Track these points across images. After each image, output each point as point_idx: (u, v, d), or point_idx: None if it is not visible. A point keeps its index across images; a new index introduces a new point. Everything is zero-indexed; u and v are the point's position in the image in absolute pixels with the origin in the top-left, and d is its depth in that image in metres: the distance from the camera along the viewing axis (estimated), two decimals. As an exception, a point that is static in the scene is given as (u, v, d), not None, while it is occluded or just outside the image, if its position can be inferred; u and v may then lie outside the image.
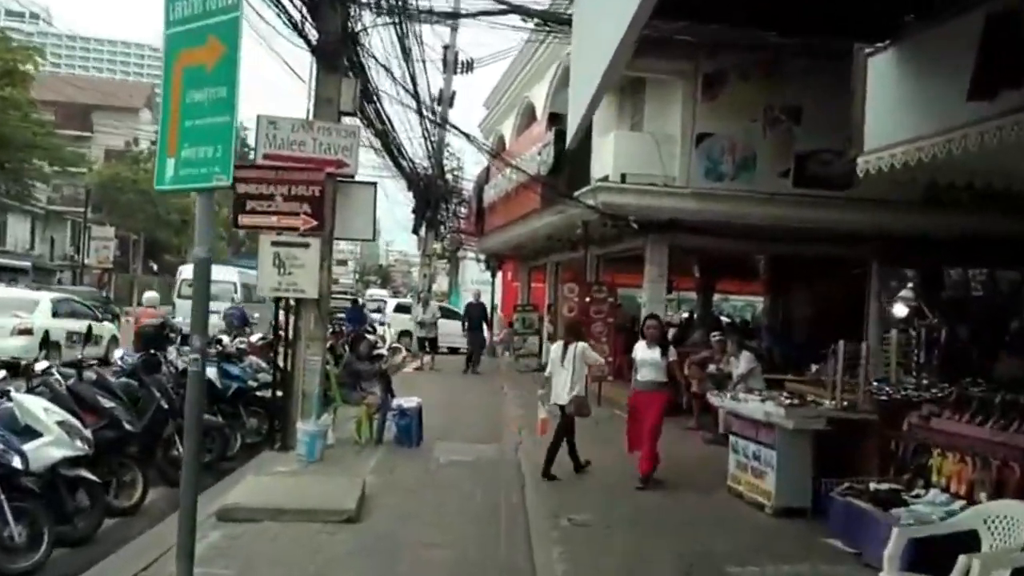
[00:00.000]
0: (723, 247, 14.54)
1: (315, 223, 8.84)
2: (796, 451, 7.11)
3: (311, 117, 9.42)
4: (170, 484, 7.38)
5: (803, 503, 7.13)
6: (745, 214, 12.87)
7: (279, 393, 9.34)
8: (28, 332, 15.24)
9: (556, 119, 15.37)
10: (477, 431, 11.29)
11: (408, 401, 10.05)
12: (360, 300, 45.76)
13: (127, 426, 6.50)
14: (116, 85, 64.88)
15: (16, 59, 36.15)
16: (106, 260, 46.26)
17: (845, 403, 7.17)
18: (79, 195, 46.67)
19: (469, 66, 27.24)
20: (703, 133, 12.85)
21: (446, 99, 26.03)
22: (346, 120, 9.74)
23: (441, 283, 48.78)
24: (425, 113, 17.62)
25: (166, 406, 7.53)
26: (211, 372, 9.15)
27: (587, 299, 14.37)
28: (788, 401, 7.31)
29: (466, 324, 20.85)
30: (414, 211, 26.03)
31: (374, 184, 9.87)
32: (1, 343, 13.98)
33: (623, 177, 13.00)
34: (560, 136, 14.83)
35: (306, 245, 8.79)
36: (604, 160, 13.38)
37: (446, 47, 26.50)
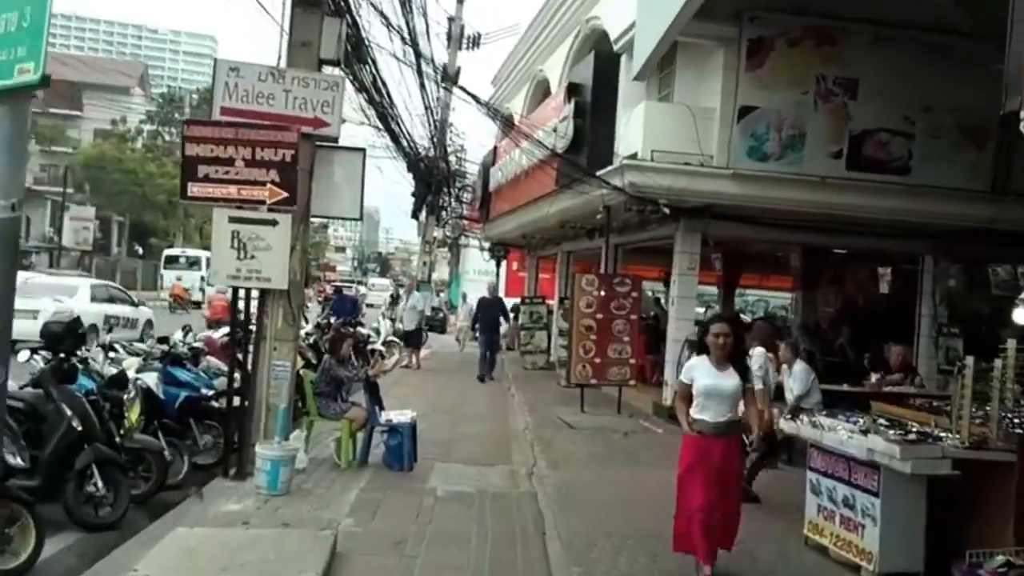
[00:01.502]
0: (762, 237, 12.84)
1: (284, 195, 7.08)
2: (908, 501, 5.43)
3: (284, 64, 7.68)
4: (87, 529, 5.76)
5: (914, 567, 5.46)
6: (791, 200, 11.18)
7: (239, 404, 7.63)
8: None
9: (575, 90, 13.66)
10: (481, 447, 9.62)
11: (400, 415, 8.35)
12: (363, 289, 43.75)
13: (11, 460, 4.82)
14: (107, 63, 63.03)
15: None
16: (84, 242, 44.45)
17: (974, 438, 5.46)
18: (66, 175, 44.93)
19: (476, 41, 25.53)
20: (746, 107, 11.11)
21: (451, 75, 24.36)
22: (327, 71, 7.99)
23: (442, 272, 47.26)
24: (428, 75, 15.85)
25: (79, 428, 5.90)
26: (151, 379, 7.52)
27: (607, 293, 12.65)
28: (899, 434, 5.58)
29: (476, 324, 18.21)
30: (414, 194, 24.38)
31: (362, 150, 8.11)
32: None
33: (653, 155, 11.29)
34: (580, 109, 13.13)
35: (273, 223, 7.05)
36: (632, 135, 11.67)
37: (451, 19, 24.82)
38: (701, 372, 5.58)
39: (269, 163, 6.92)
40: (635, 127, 11.65)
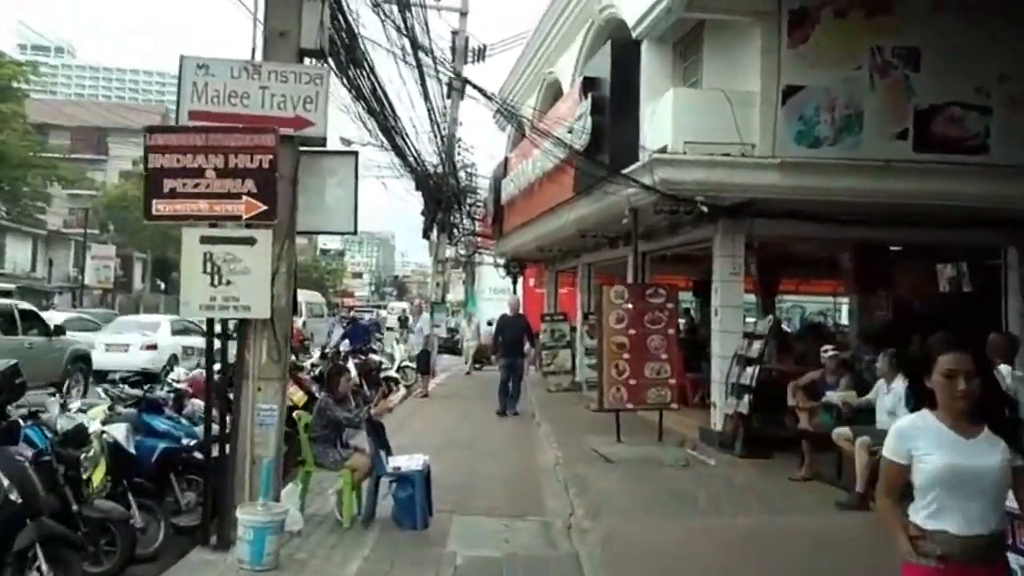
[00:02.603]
0: (813, 234, 11.41)
1: (263, 208, 5.90)
2: None
3: (260, 59, 6.48)
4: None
5: None
6: (850, 189, 9.78)
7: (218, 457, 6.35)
8: (153, 347, 17.82)
9: (591, 84, 12.33)
10: (506, 492, 8.25)
11: (411, 461, 6.98)
12: (384, 313, 42.42)
13: None
14: (130, 109, 63.90)
15: (8, 74, 35.47)
16: (106, 280, 44.87)
17: None
18: (90, 216, 45.74)
19: (481, 54, 24.30)
20: (791, 86, 9.76)
21: (456, 90, 23.15)
22: (309, 63, 6.72)
23: (458, 292, 46.06)
24: (432, 81, 14.62)
25: (18, 500, 4.65)
26: (119, 431, 6.26)
27: (640, 305, 11.27)
28: None
29: (498, 346, 15.40)
30: (423, 213, 23.16)
31: (354, 154, 6.87)
32: (132, 357, 16.64)
33: (686, 148, 9.94)
34: (598, 104, 11.81)
35: (251, 241, 5.83)
36: (660, 126, 10.31)
37: (455, 32, 23.64)
38: (930, 442, 3.09)
39: (244, 172, 5.76)
40: (663, 118, 10.30)
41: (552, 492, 8.17)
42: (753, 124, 9.84)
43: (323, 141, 6.57)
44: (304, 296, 34.18)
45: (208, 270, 5.91)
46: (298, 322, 31.18)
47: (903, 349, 12.59)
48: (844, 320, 25.81)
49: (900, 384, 7.84)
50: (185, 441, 6.78)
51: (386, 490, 7.00)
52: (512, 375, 14.41)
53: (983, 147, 9.87)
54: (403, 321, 23.09)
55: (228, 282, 5.92)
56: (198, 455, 6.57)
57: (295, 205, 6.34)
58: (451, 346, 26.83)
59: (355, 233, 7.33)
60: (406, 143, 16.53)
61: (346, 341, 16.30)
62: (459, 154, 24.26)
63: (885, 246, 14.22)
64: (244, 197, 5.91)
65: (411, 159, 19.02)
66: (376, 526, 6.74)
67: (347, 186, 6.73)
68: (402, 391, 7.34)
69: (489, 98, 12.09)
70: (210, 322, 6.21)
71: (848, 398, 8.76)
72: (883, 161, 9.64)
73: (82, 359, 15.95)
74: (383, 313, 44.56)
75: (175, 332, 19.33)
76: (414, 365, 17.62)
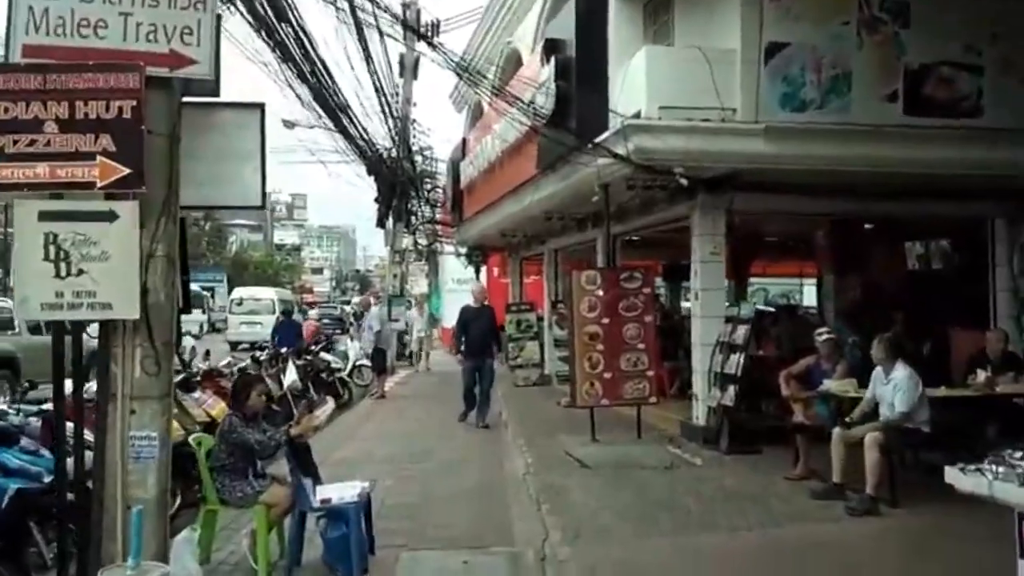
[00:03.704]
0: (798, 209, 10.48)
1: (126, 172, 4.44)
2: None
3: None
4: None
5: None
6: (839, 157, 8.86)
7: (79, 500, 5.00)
8: None
9: (554, 47, 11.25)
10: (468, 513, 7.16)
11: (345, 491, 5.77)
12: (347, 308, 40.76)
13: None
14: None
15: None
16: None
17: None
18: None
19: (435, 28, 23.11)
20: (775, 43, 8.78)
21: (409, 67, 21.97)
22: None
23: (421, 285, 44.81)
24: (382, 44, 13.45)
25: None
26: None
27: (614, 291, 10.27)
28: None
29: (462, 344, 12.61)
30: (377, 200, 21.94)
31: (259, 106, 5.51)
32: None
33: (661, 113, 8.93)
34: (563, 69, 10.74)
35: (110, 216, 4.43)
36: (632, 91, 9.29)
37: (406, 5, 22.40)
38: None
39: (98, 124, 4.33)
40: (635, 80, 9.27)
41: (522, 511, 7.11)
42: (733, 86, 8.86)
43: (213, 88, 5.00)
44: (275, 293, 36.20)
45: (52, 256, 4.44)
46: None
47: (890, 332, 11.92)
48: (808, 303, 25.08)
49: (901, 371, 6.96)
50: (49, 479, 5.24)
51: (315, 527, 5.82)
52: (480, 380, 12.14)
53: (977, 109, 9.03)
54: (357, 316, 21.83)
55: (80, 272, 4.45)
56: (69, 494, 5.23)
57: (176, 171, 4.89)
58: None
59: (262, 207, 6.02)
60: (352, 122, 15.34)
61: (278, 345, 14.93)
62: (414, 136, 23.13)
63: (860, 223, 13.44)
64: (99, 158, 4.42)
65: (360, 141, 17.89)
66: (302, 574, 5.59)
67: (249, 148, 5.36)
68: (330, 404, 6.20)
69: (435, 50, 10.80)
70: (58, 326, 4.71)
71: (846, 387, 7.83)
72: (874, 126, 8.74)
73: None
74: (347, 308, 43.19)
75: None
76: (367, 363, 16.50)
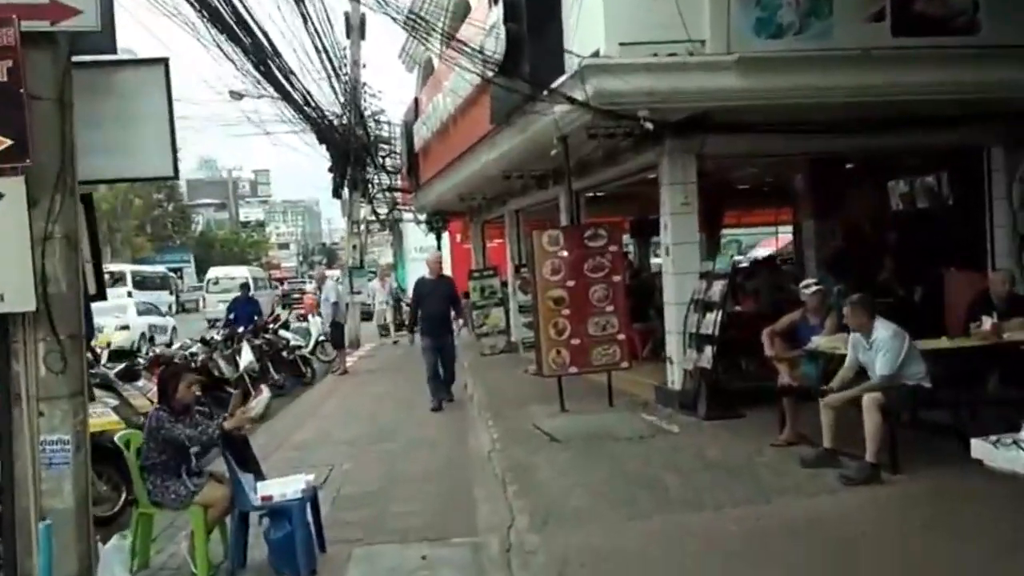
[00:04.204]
0: (772, 150, 9.69)
1: (6, 143, 3.76)
2: None
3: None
4: None
5: None
6: (821, 88, 8.04)
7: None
8: (126, 328, 20.12)
9: (504, -12, 10.28)
10: (429, 499, 6.42)
11: (287, 486, 5.01)
12: (310, 283, 40.34)
13: None
14: None
15: None
16: None
17: None
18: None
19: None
20: (746, -38, 7.95)
21: (355, 27, 20.79)
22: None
23: (387, 255, 43.88)
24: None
25: None
26: None
27: (578, 250, 9.48)
28: None
29: (417, 319, 11.14)
30: (331, 170, 20.90)
31: (163, 62, 4.68)
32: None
33: (621, 50, 8.06)
34: (513, 9, 9.80)
35: None
36: (589, 26, 8.38)
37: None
38: None
39: None
40: (592, 15, 8.36)
41: (487, 493, 6.36)
42: (702, 14, 7.99)
43: (108, 44, 4.36)
44: (247, 272, 37.23)
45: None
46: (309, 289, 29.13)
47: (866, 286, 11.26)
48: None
49: (883, 330, 6.23)
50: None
51: (257, 530, 5.09)
52: (441, 357, 10.91)
53: (972, 25, 8.21)
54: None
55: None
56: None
57: (70, 140, 4.19)
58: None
59: (176, 177, 5.22)
60: (295, 87, 14.30)
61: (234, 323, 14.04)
62: (365, 101, 22.01)
63: (842, 163, 12.72)
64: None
65: (307, 108, 16.85)
66: (247, 577, 4.85)
67: (156, 111, 4.59)
68: (265, 394, 5.43)
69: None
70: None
71: (836, 343, 7.09)
72: (859, 50, 7.92)
73: None
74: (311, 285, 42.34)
75: (141, 313, 22.06)
76: (328, 346, 15.73)
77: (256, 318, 14.19)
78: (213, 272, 38.39)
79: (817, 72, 7.97)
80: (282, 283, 50.76)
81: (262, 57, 11.28)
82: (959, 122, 9.18)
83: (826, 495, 5.74)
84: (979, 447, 3.65)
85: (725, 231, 23.38)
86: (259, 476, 5.19)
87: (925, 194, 13.76)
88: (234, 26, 9.41)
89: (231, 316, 14.51)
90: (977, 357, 6.96)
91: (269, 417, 10.51)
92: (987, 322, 6.85)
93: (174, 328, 23.94)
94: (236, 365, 11.17)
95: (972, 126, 9.33)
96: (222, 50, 9.89)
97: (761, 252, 24.57)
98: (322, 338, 16.06)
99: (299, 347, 14.67)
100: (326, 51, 15.33)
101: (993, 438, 3.58)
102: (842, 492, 5.78)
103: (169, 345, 13.89)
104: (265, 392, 5.58)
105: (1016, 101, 8.63)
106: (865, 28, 8.01)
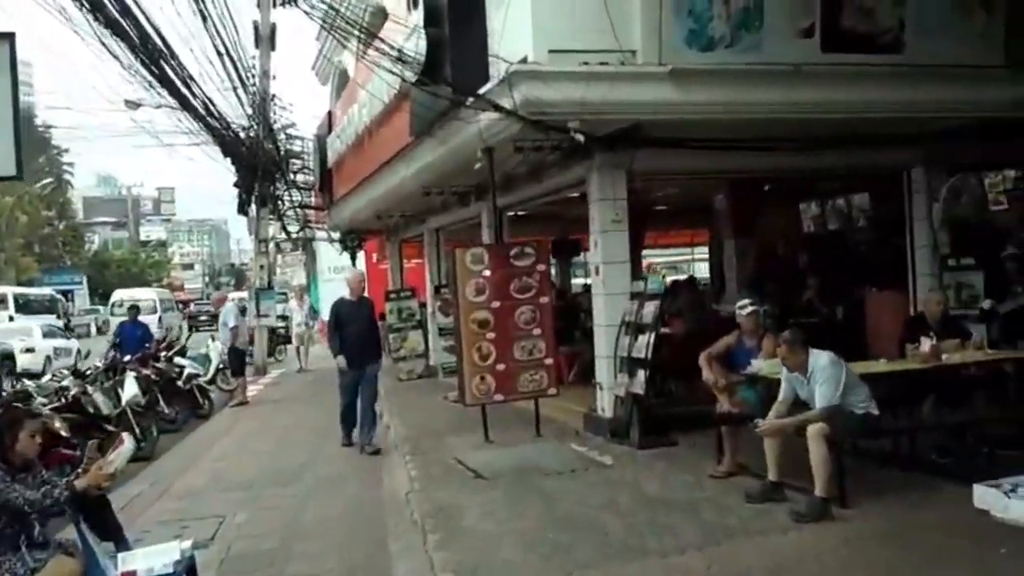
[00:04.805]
0: (702, 167, 9.36)
1: None
2: None
3: None
4: None
5: None
6: (754, 103, 7.81)
7: None
8: (31, 351, 20.50)
9: (425, -9, 9.72)
10: (336, 560, 5.62)
11: (157, 558, 4.12)
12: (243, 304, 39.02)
13: None
14: None
15: None
16: None
17: None
18: None
19: (292, -4, 21.10)
20: (678, -28, 7.60)
21: (265, 37, 19.90)
22: None
23: (301, 276, 42.56)
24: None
25: None
26: None
27: (503, 270, 8.94)
28: None
29: (338, 345, 9.33)
30: (236, 184, 19.87)
31: (8, 37, 3.92)
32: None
33: (551, 57, 7.59)
34: (434, 12, 9.23)
35: None
36: (517, 32, 7.88)
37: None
38: None
39: None
40: (519, 20, 7.88)
41: (404, 545, 5.66)
42: (632, 24, 7.63)
43: None
44: (155, 294, 37.82)
45: None
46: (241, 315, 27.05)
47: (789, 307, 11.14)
48: (699, 272, 24.62)
49: (819, 359, 5.88)
50: None
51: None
52: (362, 391, 9.31)
53: (898, 43, 8.10)
54: (212, 315, 19.83)
55: None
56: None
57: None
58: (288, 336, 23.66)
59: (19, 178, 4.43)
60: (195, 95, 13.41)
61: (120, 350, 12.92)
62: (275, 113, 21.07)
63: (761, 184, 12.62)
64: None
65: (210, 118, 15.95)
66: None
67: None
68: (127, 444, 4.62)
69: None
70: None
71: (778, 367, 6.70)
72: (790, 65, 7.68)
73: None
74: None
75: (46, 336, 22.02)
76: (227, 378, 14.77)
77: (146, 344, 13.09)
78: (118, 294, 37.21)
79: (749, 86, 7.72)
80: (187, 305, 49.12)
81: (153, 56, 10.40)
82: (882, 142, 9.06)
83: (777, 535, 5.29)
84: (986, 496, 3.23)
85: (645, 252, 23.27)
86: (121, 545, 4.40)
87: (836, 216, 13.87)
88: (118, 16, 8.51)
89: (116, 342, 13.39)
90: (914, 380, 6.72)
91: (157, 456, 9.62)
92: (926, 344, 6.60)
93: (79, 351, 22.41)
94: (118, 399, 9.97)
95: (894, 146, 9.24)
96: (104, 45, 8.98)
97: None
98: (222, 365, 15.02)
99: (196, 375, 13.58)
100: (229, 55, 14.39)
101: (1007, 484, 3.14)
102: (793, 531, 5.35)
103: (74, 368, 12.64)
104: (127, 443, 4.71)
105: (938, 121, 8.61)
106: (795, 44, 7.80)
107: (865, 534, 5.19)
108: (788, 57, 7.74)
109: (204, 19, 12.50)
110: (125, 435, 4.85)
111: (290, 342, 21.97)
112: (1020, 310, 8.33)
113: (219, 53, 13.84)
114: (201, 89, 14.71)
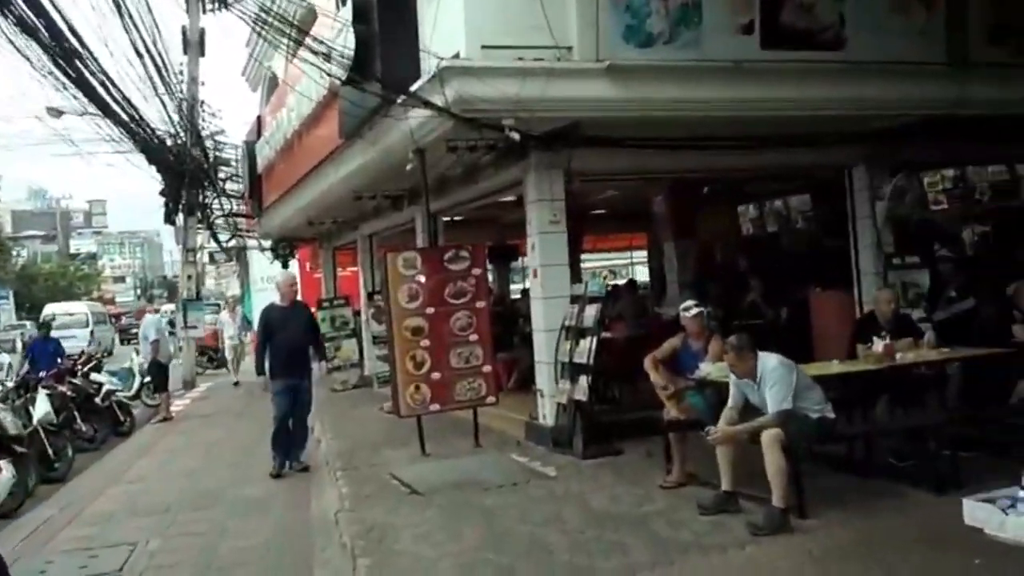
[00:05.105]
0: (641, 167, 9.13)
1: None
2: None
3: None
4: None
5: None
6: (693, 101, 7.63)
7: None
8: None
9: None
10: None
11: None
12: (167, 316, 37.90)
13: None
14: None
15: None
16: None
17: None
18: None
19: (223, 1, 20.38)
20: (613, -35, 7.35)
21: (193, 43, 19.18)
22: None
23: (234, 287, 41.46)
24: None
25: None
26: None
27: (438, 275, 8.57)
28: None
29: (265, 358, 8.56)
30: (163, 193, 19.08)
31: None
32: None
33: (484, 52, 7.27)
34: (362, 9, 8.82)
35: None
36: (449, 26, 7.55)
37: (183, -32, 19.56)
38: None
39: None
40: (451, 15, 7.53)
41: (332, 573, 5.25)
42: (568, 19, 7.38)
43: None
44: (86, 307, 36.78)
45: None
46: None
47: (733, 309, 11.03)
48: (638, 276, 24.46)
49: (768, 361, 5.66)
50: None
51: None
52: (296, 406, 8.51)
53: (839, 40, 7.98)
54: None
55: None
56: None
57: None
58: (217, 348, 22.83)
59: None
60: (114, 98, 12.72)
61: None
62: (203, 120, 20.33)
63: (700, 186, 12.51)
64: None
65: (134, 124, 15.22)
66: None
67: None
68: (4, 474, 4.17)
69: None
70: None
71: (726, 371, 6.47)
72: (730, 62, 7.50)
73: None
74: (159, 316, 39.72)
75: None
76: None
77: (59, 360, 12.35)
78: (50, 308, 35.48)
79: (689, 84, 7.54)
80: (119, 318, 47.60)
81: (68, 56, 9.76)
82: (824, 140, 8.96)
83: (734, 549, 5.01)
84: (977, 512, 2.94)
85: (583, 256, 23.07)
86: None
87: (775, 218, 13.85)
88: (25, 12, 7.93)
89: (28, 359, 12.62)
90: (867, 381, 6.55)
91: (71, 477, 9.03)
92: (879, 344, 6.43)
93: (10, 365, 21.17)
94: (29, 418, 9.30)
95: (836, 145, 9.14)
96: (13, 44, 8.36)
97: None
98: (148, 379, 14.32)
99: (115, 391, 12.86)
100: (152, 58, 13.74)
101: (1004, 501, 2.87)
102: (751, 545, 5.06)
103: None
104: (4, 472, 4.22)
105: (880, 119, 8.54)
106: (735, 40, 7.62)
107: (829, 548, 4.92)
108: (728, 54, 7.56)
109: (121, 14, 11.83)
110: (2, 463, 4.32)
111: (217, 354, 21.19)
112: (952, 319, 8.26)
113: (139, 54, 13.08)
114: (122, 93, 14.00)
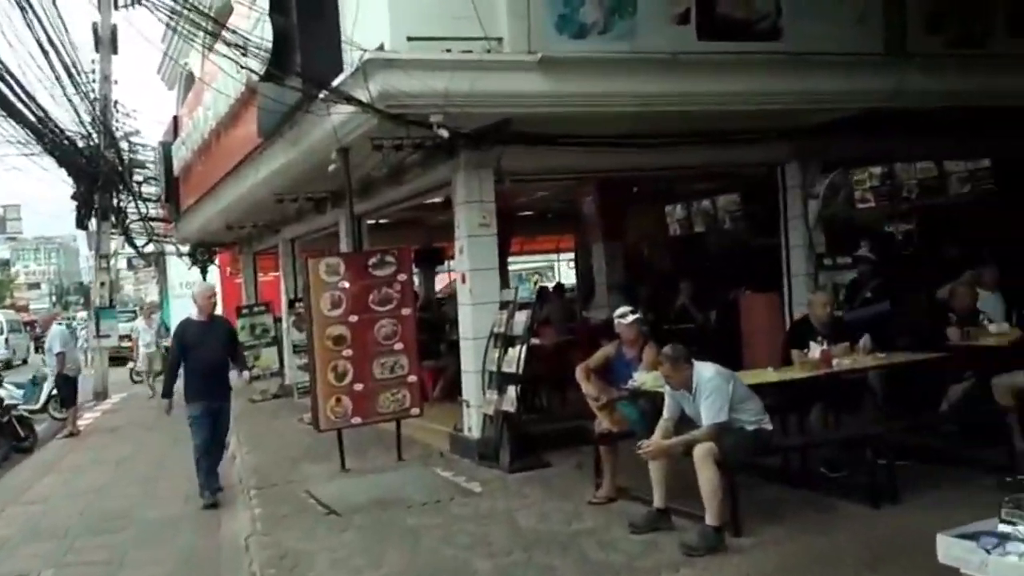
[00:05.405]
0: (573, 166, 8.83)
1: None
2: None
3: None
4: None
5: None
6: (629, 94, 7.29)
7: None
8: None
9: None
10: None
11: None
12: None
13: None
14: None
15: None
16: None
17: None
18: None
19: (135, -1, 19.45)
20: (545, -48, 7.04)
21: (105, 40, 18.31)
22: None
23: (152, 293, 40.10)
24: None
25: None
26: None
27: (361, 281, 8.12)
28: None
29: (178, 379, 7.73)
30: (74, 197, 18.16)
31: None
32: None
33: (410, 44, 6.87)
34: (279, 1, 8.32)
35: None
36: (373, 17, 7.10)
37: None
38: None
39: None
40: (374, 4, 7.09)
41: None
42: (499, 9, 7.01)
43: None
44: (2, 315, 34.57)
45: None
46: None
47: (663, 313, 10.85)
48: (565, 279, 24.23)
49: (704, 372, 5.39)
50: None
51: None
52: (215, 430, 7.66)
53: (775, 30, 7.74)
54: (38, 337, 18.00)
55: None
56: None
57: None
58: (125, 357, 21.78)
59: None
60: (13, 89, 11.94)
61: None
62: (118, 120, 19.42)
63: (630, 185, 12.31)
64: None
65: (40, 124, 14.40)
66: None
67: None
68: None
69: None
70: None
71: (661, 381, 6.17)
72: (667, 54, 7.23)
73: None
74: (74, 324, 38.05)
75: None
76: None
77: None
78: None
79: (624, 76, 7.19)
80: (33, 326, 45.49)
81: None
82: (757, 137, 8.80)
83: (668, 572, 4.70)
84: (952, 549, 2.62)
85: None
86: None
87: (703, 218, 13.79)
88: None
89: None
90: (800, 389, 6.34)
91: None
92: (816, 349, 6.23)
93: None
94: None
95: (769, 141, 8.97)
96: None
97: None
98: (55, 392, 13.47)
99: (14, 405, 12.03)
100: (58, 52, 12.96)
101: (989, 539, 2.56)
102: (686, 567, 4.76)
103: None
104: None
105: (815, 114, 8.36)
106: (671, 31, 7.32)
107: (765, 570, 4.66)
108: (664, 45, 7.24)
109: (23, 8, 11.06)
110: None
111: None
112: (858, 323, 8.01)
113: (44, 52, 12.32)
114: (25, 90, 13.16)
